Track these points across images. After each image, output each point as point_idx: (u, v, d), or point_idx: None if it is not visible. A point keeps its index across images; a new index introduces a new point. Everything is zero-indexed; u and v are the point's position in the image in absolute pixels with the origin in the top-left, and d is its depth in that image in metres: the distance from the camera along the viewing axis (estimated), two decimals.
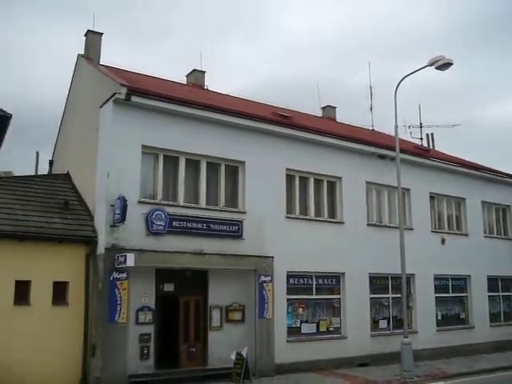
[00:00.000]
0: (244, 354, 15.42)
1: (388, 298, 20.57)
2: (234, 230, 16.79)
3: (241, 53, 65.71)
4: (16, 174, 23.33)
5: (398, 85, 18.22)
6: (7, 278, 13.86)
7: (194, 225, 15.98)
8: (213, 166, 17.06)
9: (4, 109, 19.73)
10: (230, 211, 16.98)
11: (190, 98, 17.11)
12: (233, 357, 15.52)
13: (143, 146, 15.54)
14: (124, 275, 14.42)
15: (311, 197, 19.17)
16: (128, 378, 14.36)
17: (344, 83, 59.56)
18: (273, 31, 68.64)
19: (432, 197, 23.05)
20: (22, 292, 14.07)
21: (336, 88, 53.41)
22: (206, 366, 16.20)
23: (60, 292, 14.64)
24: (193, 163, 16.70)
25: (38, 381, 13.70)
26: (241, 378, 15.22)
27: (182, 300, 16.38)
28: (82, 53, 20.14)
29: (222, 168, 17.21)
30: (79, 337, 14.68)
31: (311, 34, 66.61)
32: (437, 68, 17.55)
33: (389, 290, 20.61)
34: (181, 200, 16.17)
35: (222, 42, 65.20)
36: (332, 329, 18.90)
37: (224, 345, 16.18)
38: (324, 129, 20.25)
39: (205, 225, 16.17)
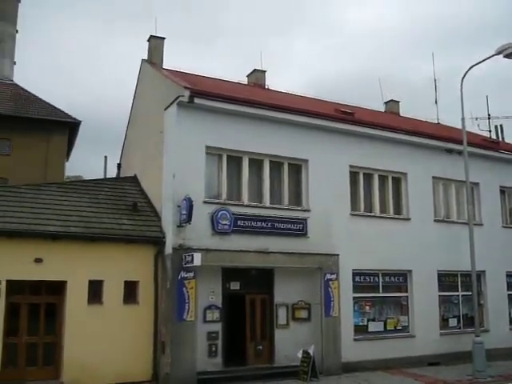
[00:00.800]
0: (311, 352, 15.44)
1: (458, 295, 20.05)
2: (299, 229, 16.78)
3: (299, 50, 65.57)
4: (85, 178, 24.30)
5: (465, 75, 17.68)
6: (81, 278, 14.44)
7: (259, 224, 16.09)
8: (276, 164, 17.12)
9: (74, 115, 20.72)
10: (294, 209, 16.99)
11: (252, 98, 17.20)
12: (299, 355, 15.60)
13: (207, 147, 15.78)
14: (191, 274, 14.69)
15: (376, 193, 18.92)
16: (197, 374, 14.62)
17: (407, 77, 58.39)
18: (331, 27, 68.08)
19: (502, 191, 22.24)
20: (94, 291, 14.65)
21: (398, 82, 52.40)
22: (273, 364, 16.33)
23: (131, 291, 15.11)
24: (256, 162, 16.81)
25: (111, 377, 14.16)
26: (308, 376, 15.26)
27: (248, 298, 16.57)
28: (146, 57, 20.66)
29: (286, 166, 17.24)
30: (149, 334, 15.09)
31: (370, 29, 65.64)
32: (505, 56, 16.89)
33: (458, 287, 20.09)
34: (245, 199, 16.32)
35: (280, 40, 65.23)
36: (400, 327, 18.60)
37: (290, 343, 16.24)
38: (388, 124, 19.89)
39: (269, 223, 16.25)
